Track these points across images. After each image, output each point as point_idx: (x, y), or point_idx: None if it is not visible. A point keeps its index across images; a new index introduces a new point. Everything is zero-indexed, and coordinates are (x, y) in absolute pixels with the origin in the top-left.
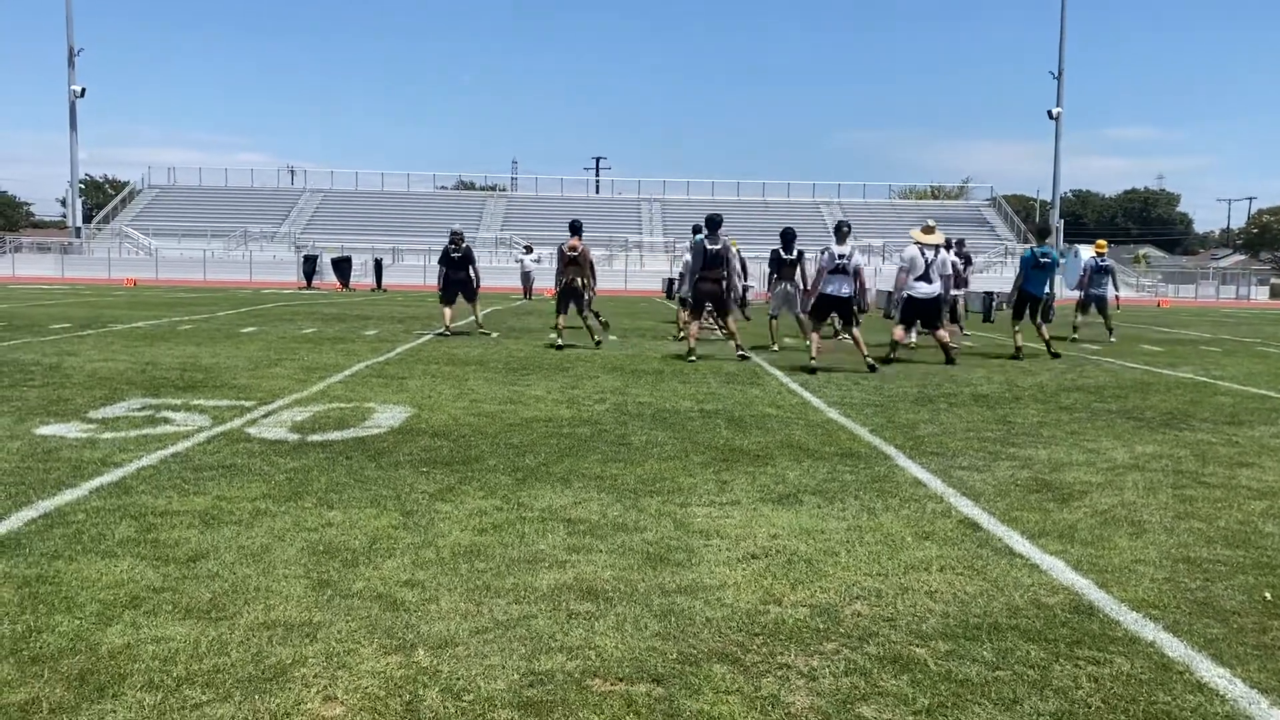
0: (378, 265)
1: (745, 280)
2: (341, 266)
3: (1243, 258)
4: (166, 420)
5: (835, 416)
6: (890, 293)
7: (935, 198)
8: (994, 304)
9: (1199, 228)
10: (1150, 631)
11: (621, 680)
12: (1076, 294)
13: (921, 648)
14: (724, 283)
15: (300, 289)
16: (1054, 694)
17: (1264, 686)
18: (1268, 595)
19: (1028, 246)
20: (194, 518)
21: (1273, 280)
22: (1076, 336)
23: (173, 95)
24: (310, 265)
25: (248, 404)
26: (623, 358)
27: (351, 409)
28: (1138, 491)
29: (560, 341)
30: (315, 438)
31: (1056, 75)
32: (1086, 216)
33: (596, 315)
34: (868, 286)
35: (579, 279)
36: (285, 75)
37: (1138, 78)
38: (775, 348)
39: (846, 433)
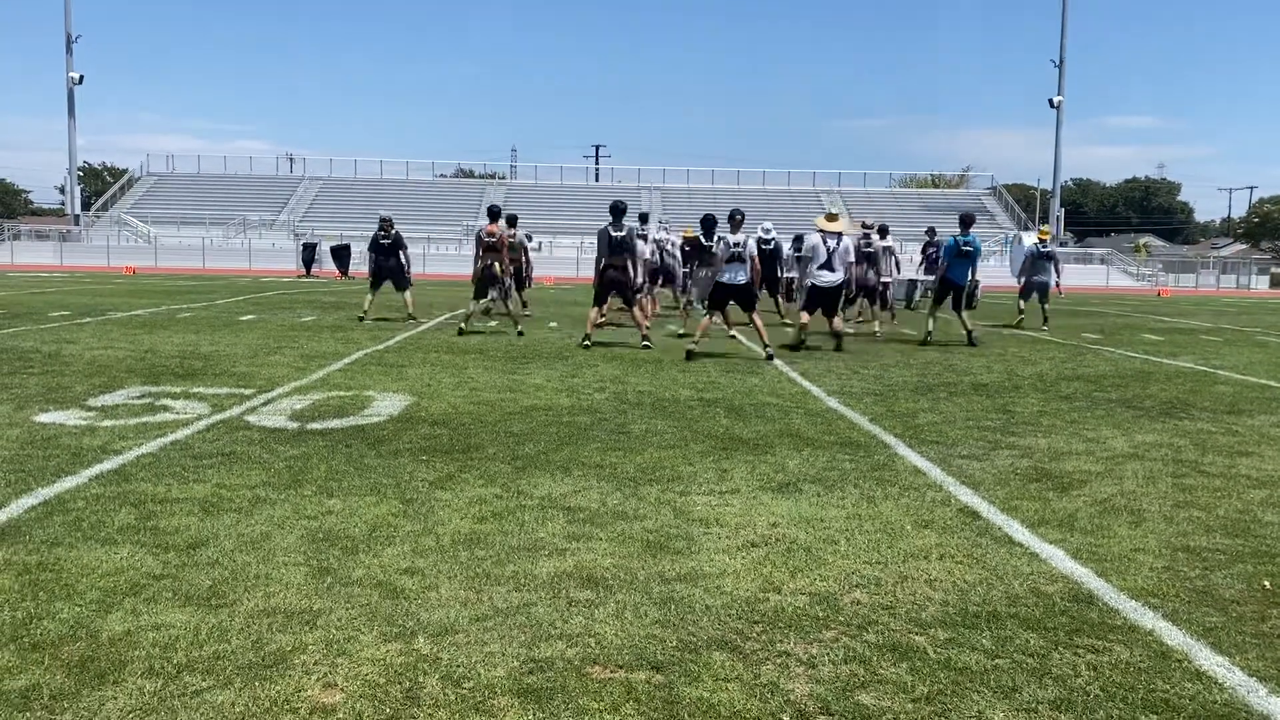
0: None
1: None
2: (340, 254)
3: (1243, 247)
4: (166, 408)
5: (835, 405)
6: (913, 281)
7: (936, 186)
8: (917, 291)
9: (1200, 217)
10: (1149, 620)
11: (621, 668)
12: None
13: (921, 636)
14: (627, 269)
15: (299, 277)
16: (1053, 682)
17: (1263, 675)
18: (1266, 584)
19: (951, 235)
20: (194, 505)
21: (1273, 270)
22: (1022, 320)
23: (171, 82)
24: (309, 253)
25: (247, 392)
26: (621, 346)
27: (351, 397)
28: (1137, 480)
29: (477, 325)
30: (315, 426)
31: (1058, 63)
32: (1087, 205)
33: (522, 304)
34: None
35: (497, 265)
36: (284, 62)
37: (1139, 66)
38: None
39: (846, 421)
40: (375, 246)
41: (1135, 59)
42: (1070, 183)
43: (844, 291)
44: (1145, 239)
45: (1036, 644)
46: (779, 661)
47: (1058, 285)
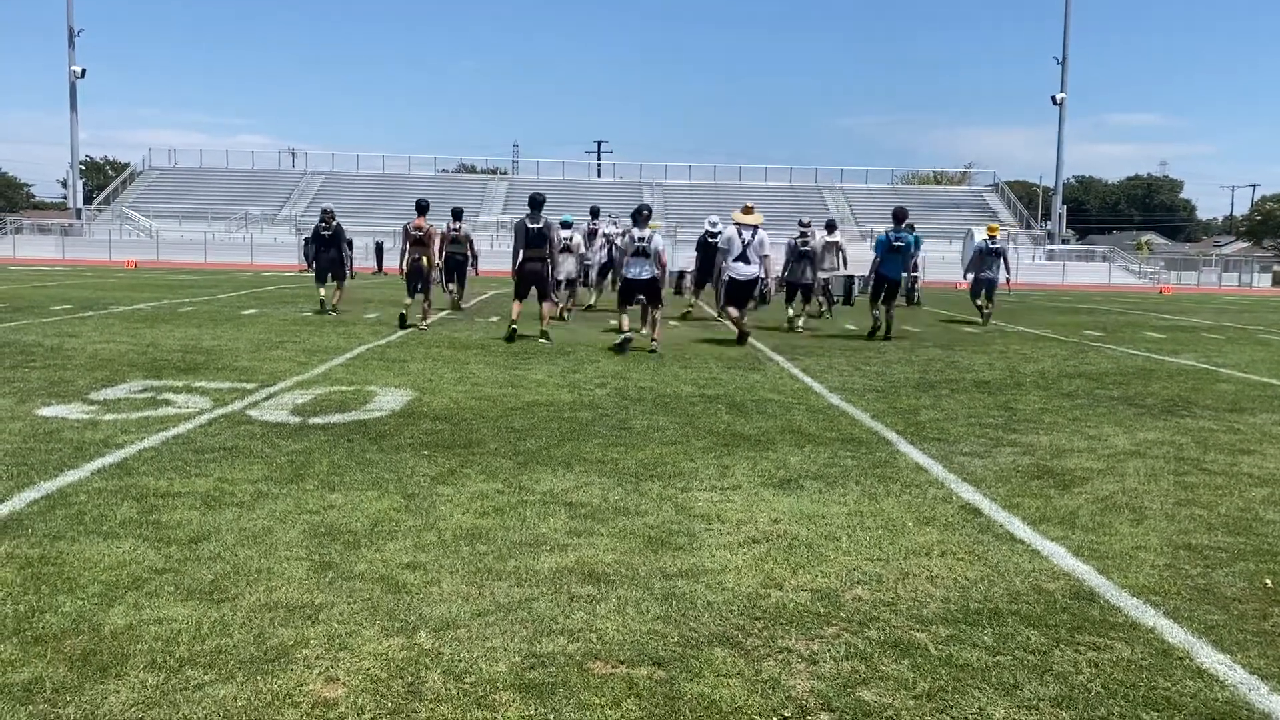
0: (378, 248)
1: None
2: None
3: (1245, 245)
4: (168, 402)
5: (836, 402)
6: (851, 276)
7: (938, 183)
8: (855, 287)
9: (1202, 214)
10: (1150, 617)
11: (622, 663)
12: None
13: (922, 632)
14: (546, 262)
15: (301, 271)
16: (1054, 679)
17: (1264, 673)
18: (1268, 582)
19: (883, 230)
20: (196, 499)
21: (1275, 268)
22: (987, 315)
23: (173, 76)
24: (310, 249)
25: (249, 386)
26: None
27: (353, 392)
28: (1139, 478)
29: (409, 322)
30: (317, 420)
31: (1061, 60)
32: (1089, 203)
33: (459, 298)
34: (668, 268)
35: (424, 258)
36: (286, 57)
37: (1142, 64)
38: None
39: (848, 418)
40: (316, 238)
41: (1138, 56)
42: (1073, 180)
43: (760, 285)
44: (1147, 236)
45: (1038, 641)
46: (780, 658)
47: (1007, 281)
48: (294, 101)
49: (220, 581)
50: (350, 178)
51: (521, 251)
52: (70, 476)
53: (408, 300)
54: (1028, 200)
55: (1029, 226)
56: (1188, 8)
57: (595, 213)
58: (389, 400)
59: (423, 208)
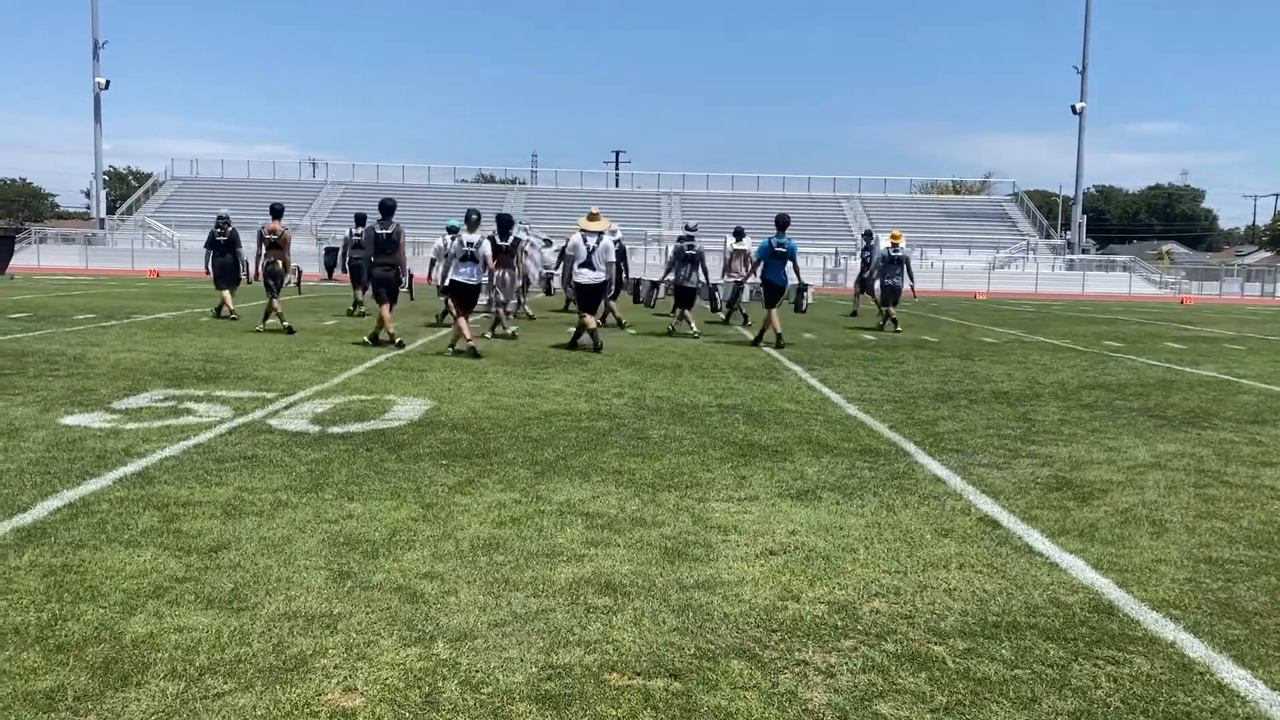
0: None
1: (628, 271)
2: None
3: (1268, 254)
4: (189, 411)
5: (854, 412)
6: (739, 283)
7: (957, 192)
8: (745, 293)
9: (1224, 224)
10: (1171, 632)
11: (639, 675)
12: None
13: (940, 645)
14: (397, 269)
15: (321, 281)
16: (1073, 693)
17: None
18: None
19: (767, 237)
20: (216, 508)
21: None
22: (885, 319)
23: (196, 87)
24: (331, 258)
25: (269, 395)
26: (640, 352)
27: (372, 401)
28: (1159, 490)
29: (259, 326)
30: (336, 430)
31: (1080, 69)
32: (1110, 212)
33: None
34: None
35: (279, 261)
36: (307, 68)
37: (1163, 72)
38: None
39: (866, 429)
40: (212, 243)
41: (1159, 65)
42: (1093, 189)
43: (605, 289)
44: (1168, 246)
45: (1056, 655)
46: (797, 670)
47: (911, 289)
48: (315, 112)
49: (240, 590)
50: (370, 188)
51: (373, 257)
52: (92, 485)
53: (272, 302)
54: (1047, 210)
55: (1049, 236)
56: (1209, 16)
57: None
58: (407, 410)
59: (276, 212)
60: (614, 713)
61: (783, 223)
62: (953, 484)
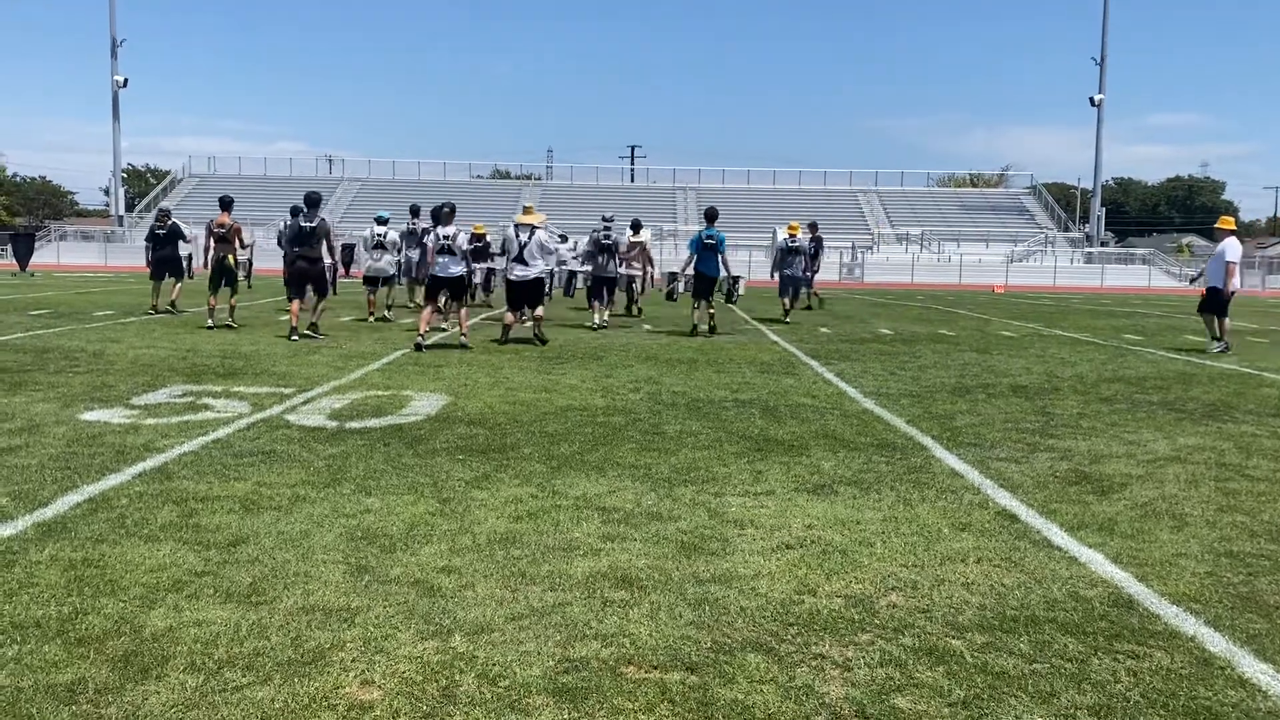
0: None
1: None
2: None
3: None
4: (207, 407)
5: (871, 407)
6: (673, 273)
7: (974, 186)
8: (676, 285)
9: (1245, 216)
10: (1191, 626)
11: (656, 668)
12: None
13: (958, 639)
14: (317, 262)
15: (340, 277)
16: (1092, 688)
17: None
18: None
19: (697, 230)
20: (234, 503)
21: None
22: (788, 311)
23: (212, 85)
24: (348, 254)
25: (287, 391)
26: (656, 346)
27: (389, 396)
28: (1179, 484)
29: (210, 323)
30: (353, 425)
31: (1099, 61)
32: (1129, 205)
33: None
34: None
35: (229, 256)
36: (323, 64)
37: (1182, 63)
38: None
39: (882, 423)
40: (152, 237)
41: (1178, 56)
42: (1111, 182)
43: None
44: (1188, 239)
45: (1075, 649)
46: (814, 664)
47: (810, 279)
48: (331, 109)
49: (258, 584)
50: (386, 184)
51: (294, 250)
52: (112, 480)
53: (211, 300)
54: (1066, 203)
55: (1067, 229)
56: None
57: (415, 211)
58: (424, 405)
59: (225, 204)
60: (631, 706)
61: (711, 216)
62: (970, 478)
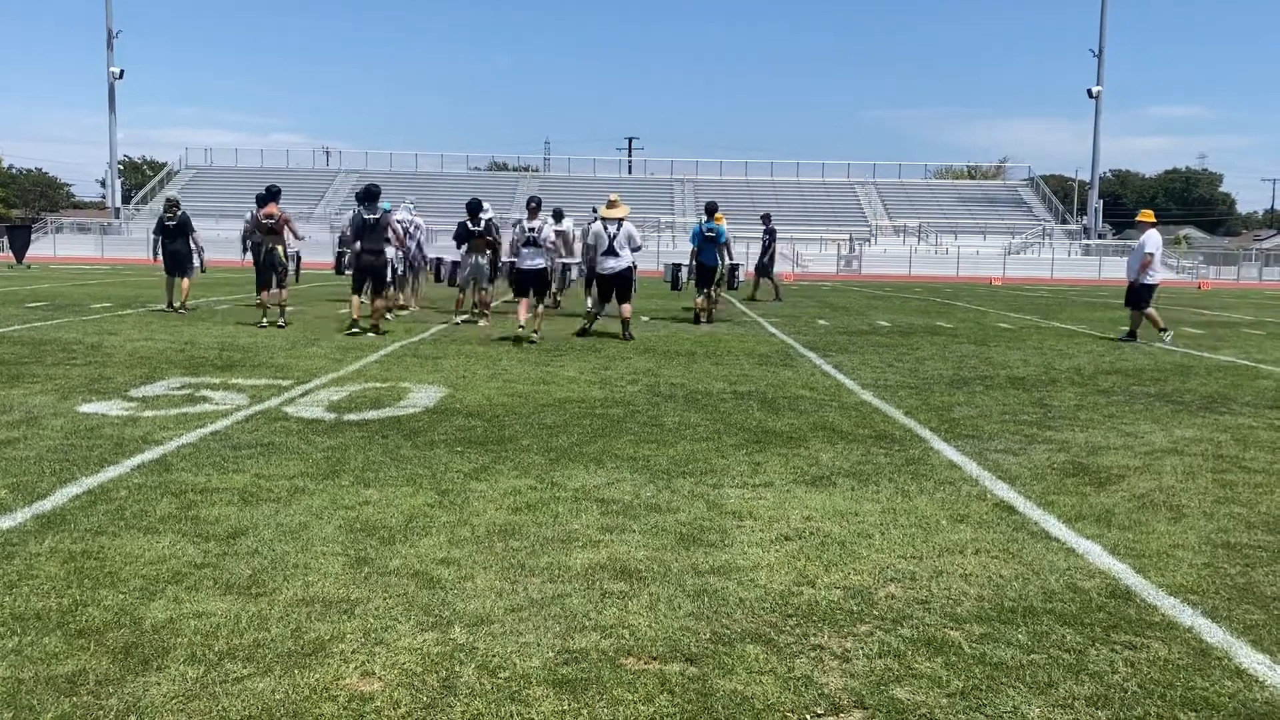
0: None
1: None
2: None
3: None
4: (205, 399)
5: (869, 398)
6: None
7: (972, 177)
8: (679, 275)
9: (1242, 208)
10: (1188, 617)
11: (655, 659)
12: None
13: (956, 630)
14: (382, 254)
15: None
16: (1089, 678)
17: None
18: None
19: (698, 221)
20: (233, 495)
21: None
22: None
23: (208, 76)
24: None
25: (285, 383)
26: (655, 339)
27: (387, 389)
28: (1176, 476)
29: (265, 321)
30: (352, 417)
31: (1097, 53)
32: (1126, 197)
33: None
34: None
35: (279, 248)
36: (319, 56)
37: (1181, 55)
38: (457, 320)
39: (881, 415)
40: (161, 229)
41: (1177, 48)
42: (1109, 174)
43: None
44: (1185, 231)
45: (1073, 640)
46: (813, 655)
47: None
48: (328, 100)
49: (258, 576)
50: (383, 176)
51: (358, 244)
52: (111, 472)
53: (263, 297)
54: (1063, 194)
55: (1064, 221)
56: None
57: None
58: (422, 397)
59: (271, 194)
60: (630, 697)
61: (711, 209)
62: (968, 470)
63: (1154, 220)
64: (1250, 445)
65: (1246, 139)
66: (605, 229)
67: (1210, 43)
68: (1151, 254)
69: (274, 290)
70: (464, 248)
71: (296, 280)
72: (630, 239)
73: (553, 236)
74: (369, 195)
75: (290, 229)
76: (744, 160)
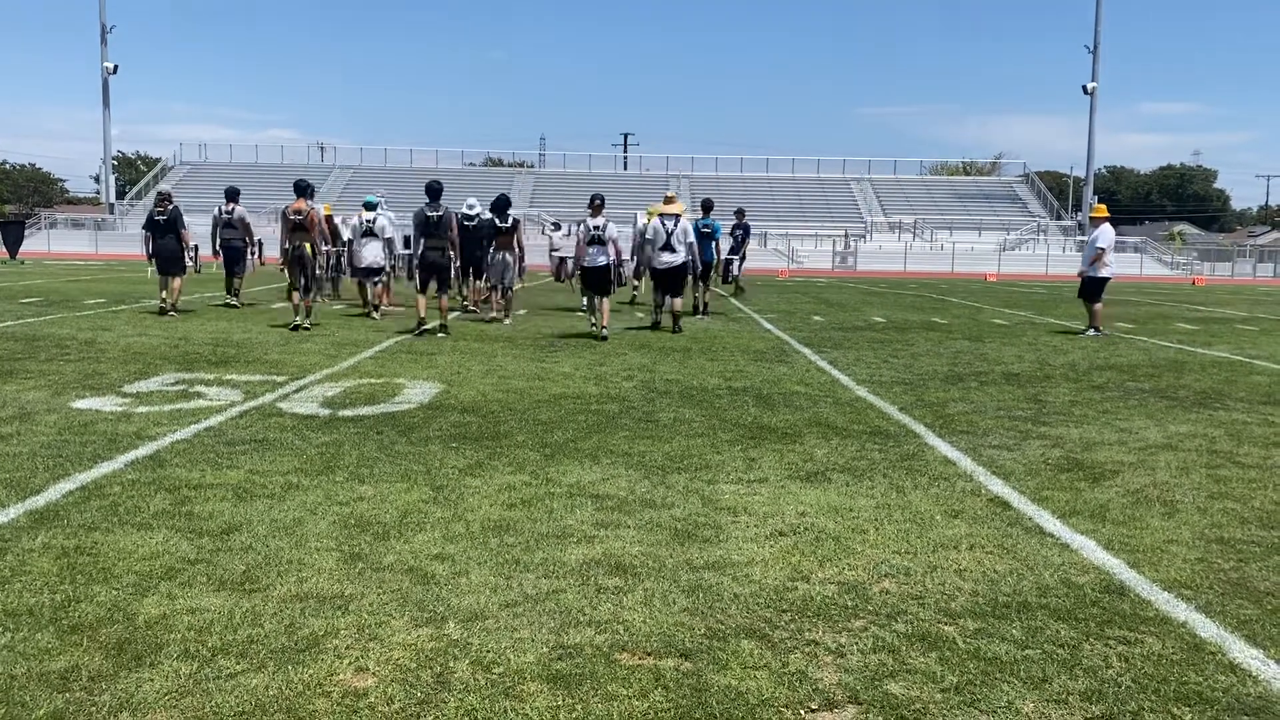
0: (406, 242)
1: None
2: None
3: None
4: (199, 395)
5: (864, 394)
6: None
7: (967, 173)
8: (735, 269)
9: (1237, 204)
10: (1182, 612)
11: (649, 654)
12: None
13: (950, 626)
14: (447, 252)
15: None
16: (1084, 673)
17: None
18: None
19: (694, 218)
20: (227, 491)
21: None
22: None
23: (203, 72)
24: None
25: (279, 379)
26: (649, 334)
27: (382, 385)
28: (1170, 471)
29: (297, 321)
30: (346, 413)
31: (1092, 49)
32: (1121, 193)
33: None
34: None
35: (308, 245)
36: (315, 52)
37: (1175, 52)
38: (493, 314)
39: (876, 411)
40: (150, 224)
41: (1172, 44)
42: (1104, 170)
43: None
44: (1180, 227)
45: (1067, 635)
46: (807, 650)
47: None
48: (323, 96)
49: (252, 572)
50: (378, 171)
51: (423, 242)
52: (104, 468)
53: (293, 296)
54: (1058, 191)
55: (1059, 217)
56: None
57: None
58: (417, 393)
59: (301, 189)
60: (625, 692)
61: (708, 206)
62: (963, 465)
63: (1108, 215)
64: (1244, 441)
65: (1241, 135)
66: (664, 225)
67: (1205, 39)
68: (1103, 248)
69: (303, 295)
70: (491, 245)
71: (335, 292)
72: (685, 234)
73: (615, 232)
74: (432, 192)
75: (323, 229)
76: (739, 156)
